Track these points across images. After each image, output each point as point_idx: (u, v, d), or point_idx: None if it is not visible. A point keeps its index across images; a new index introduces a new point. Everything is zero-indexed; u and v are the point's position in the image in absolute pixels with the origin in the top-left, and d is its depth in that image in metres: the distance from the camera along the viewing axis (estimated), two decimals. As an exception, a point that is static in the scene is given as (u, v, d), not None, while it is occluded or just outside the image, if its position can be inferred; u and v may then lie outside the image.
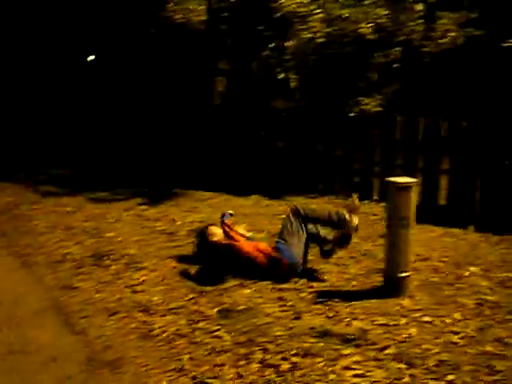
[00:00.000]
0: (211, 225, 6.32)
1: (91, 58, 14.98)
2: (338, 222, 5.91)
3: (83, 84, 14.34)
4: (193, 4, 9.13)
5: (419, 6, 9.06)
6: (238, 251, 5.65)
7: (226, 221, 6.04)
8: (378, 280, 5.55)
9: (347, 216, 5.90)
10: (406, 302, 5.08)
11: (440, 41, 9.25)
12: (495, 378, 3.86)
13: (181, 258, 6.29)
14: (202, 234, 6.12)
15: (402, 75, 9.78)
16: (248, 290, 5.36)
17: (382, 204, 8.20)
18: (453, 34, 9.27)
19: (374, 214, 7.99)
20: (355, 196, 6.24)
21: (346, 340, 4.37)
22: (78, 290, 5.54)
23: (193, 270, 5.92)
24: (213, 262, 5.77)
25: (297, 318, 4.79)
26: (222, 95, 11.45)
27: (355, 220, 6.01)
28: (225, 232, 5.92)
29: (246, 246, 5.71)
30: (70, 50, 14.43)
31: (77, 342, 4.55)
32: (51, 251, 6.62)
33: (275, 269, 5.58)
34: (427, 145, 8.28)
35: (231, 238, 5.84)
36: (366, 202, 8.63)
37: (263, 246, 5.79)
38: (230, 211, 6.42)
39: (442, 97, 12.03)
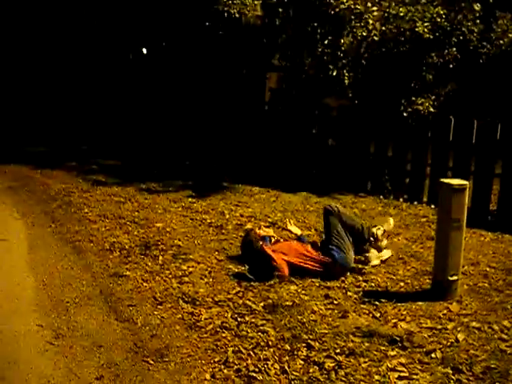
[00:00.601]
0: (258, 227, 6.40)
1: (144, 50, 15.14)
2: (366, 239, 6.00)
3: (137, 77, 14.50)
4: (248, -1, 9.16)
5: (477, 6, 8.93)
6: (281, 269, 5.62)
7: (266, 247, 5.85)
8: (426, 282, 5.49)
9: (379, 234, 5.94)
10: (453, 306, 5.00)
11: (498, 42, 9.10)
12: (543, 388, 3.79)
13: (228, 252, 6.32)
14: (247, 240, 6.04)
15: (458, 76, 9.66)
16: (294, 287, 5.35)
17: (432, 206, 8.11)
18: (511, 34, 9.12)
19: (424, 216, 7.90)
20: (391, 220, 6.33)
21: (392, 341, 4.33)
22: (126, 278, 5.60)
23: (240, 264, 5.93)
24: (258, 266, 5.75)
25: (343, 317, 4.76)
26: (274, 91, 11.44)
27: (384, 241, 6.06)
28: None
29: (292, 258, 5.68)
30: (126, 43, 14.61)
31: (123, 330, 4.61)
32: (101, 239, 6.71)
33: (328, 272, 5.57)
34: (480, 147, 8.14)
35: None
36: (416, 203, 8.54)
37: (309, 249, 5.78)
38: (272, 234, 6.34)
39: (497, 99, 11.83)
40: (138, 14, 13.41)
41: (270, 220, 7.43)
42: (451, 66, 9.30)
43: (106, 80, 14.55)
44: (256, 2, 9.50)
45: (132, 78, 14.60)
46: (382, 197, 8.85)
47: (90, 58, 14.52)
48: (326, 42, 9.05)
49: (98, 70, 14.56)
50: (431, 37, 8.78)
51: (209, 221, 7.45)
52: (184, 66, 13.13)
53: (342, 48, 8.95)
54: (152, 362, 4.12)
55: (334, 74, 8.95)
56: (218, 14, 9.45)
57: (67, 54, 14.50)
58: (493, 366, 4.02)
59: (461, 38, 9.07)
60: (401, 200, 8.71)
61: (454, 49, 9.09)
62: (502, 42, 9.17)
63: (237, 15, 9.17)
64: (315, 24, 9.17)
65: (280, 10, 9.61)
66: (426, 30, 8.65)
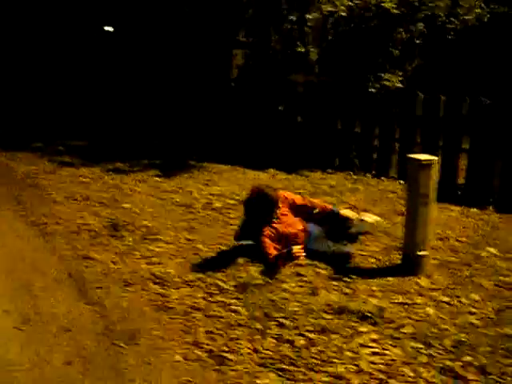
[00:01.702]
0: None
1: (109, 28, 14.90)
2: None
3: (101, 55, 14.27)
4: (214, -28, 9.05)
5: (444, -18, 8.92)
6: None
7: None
8: (395, 258, 5.51)
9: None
10: (423, 281, 5.03)
11: (465, 17, 9.12)
12: (513, 360, 3.83)
13: (197, 231, 6.27)
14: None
15: (425, 52, 9.66)
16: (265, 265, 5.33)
17: (400, 181, 8.13)
18: (478, 10, 9.15)
19: (393, 192, 7.92)
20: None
21: (363, 317, 4.34)
22: (94, 260, 5.53)
23: (210, 242, 5.90)
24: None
25: (314, 294, 4.76)
26: (240, 68, 11.34)
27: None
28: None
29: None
30: (89, 20, 14.35)
31: (92, 313, 4.56)
32: (68, 221, 6.60)
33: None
34: (448, 123, 8.16)
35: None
36: (384, 178, 8.56)
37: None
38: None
39: (465, 74, 11.88)
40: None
41: (238, 198, 7.38)
42: (418, 41, 9.31)
43: (72, 58, 14.29)
44: (222, -24, 9.41)
45: (97, 56, 14.37)
46: (350, 173, 8.84)
47: (56, 35, 14.23)
48: (292, 17, 8.99)
49: (65, 47, 14.28)
50: (398, 12, 8.76)
51: (177, 200, 7.38)
52: (149, 44, 12.96)
53: (309, 24, 8.90)
54: (122, 345, 4.08)
55: (301, 50, 8.90)
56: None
57: (29, 30, 14.18)
58: (463, 339, 4.06)
59: (428, 13, 9.07)
60: (369, 175, 8.71)
61: (422, 24, 9.09)
62: (468, 17, 9.18)
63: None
64: (281, -1, 9.12)
65: (246, -16, 9.54)
66: (393, 5, 8.64)
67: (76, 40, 14.22)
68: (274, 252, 5.32)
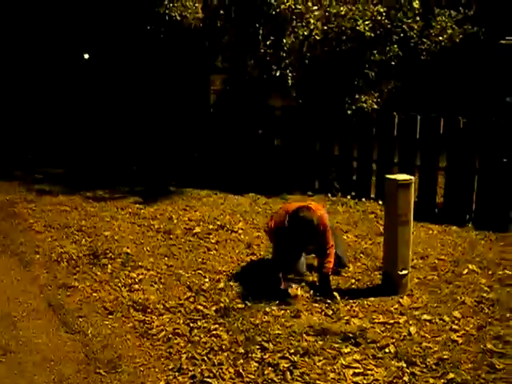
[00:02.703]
0: None
1: (85, 55, 14.94)
2: None
3: (79, 82, 14.28)
4: (189, 1, 9.10)
5: (416, 4, 9.04)
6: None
7: None
8: (376, 278, 5.54)
9: None
10: (405, 300, 5.06)
11: (437, 38, 9.24)
12: (495, 375, 3.86)
13: (177, 257, 6.26)
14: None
15: (400, 73, 9.75)
16: (246, 289, 5.31)
17: (380, 202, 8.18)
18: (450, 31, 9.27)
19: (372, 212, 7.97)
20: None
21: (346, 338, 4.35)
22: (75, 289, 5.50)
23: (191, 268, 5.89)
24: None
25: (296, 317, 4.76)
26: (219, 93, 11.40)
27: None
28: None
29: None
30: (66, 48, 14.37)
31: (74, 342, 4.53)
32: (47, 250, 6.56)
33: None
34: (425, 142, 8.24)
35: None
36: (364, 200, 8.60)
37: None
38: None
39: (439, 94, 12.03)
40: (80, 20, 13.22)
41: (218, 223, 7.39)
42: (393, 63, 9.39)
43: (49, 86, 14.28)
44: (197, 5, 9.46)
45: (76, 83, 14.37)
46: (330, 195, 8.87)
47: (33, 64, 14.22)
48: (268, 42, 9.04)
49: (42, 76, 14.28)
50: (372, 35, 8.84)
51: (157, 226, 7.36)
52: (128, 71, 12.99)
53: (285, 48, 8.94)
54: (104, 374, 4.06)
55: (278, 74, 8.94)
56: (159, 17, 9.36)
57: (7, 59, 14.17)
58: (445, 356, 4.08)
59: (401, 35, 9.16)
60: (349, 197, 8.74)
61: (396, 46, 9.18)
62: (441, 38, 9.29)
63: (178, 18, 9.11)
64: (257, 25, 9.15)
65: (221, 11, 9.57)
66: (366, 28, 8.72)
67: (55, 66, 14.23)
68: None
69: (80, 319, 4.89)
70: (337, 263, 5.55)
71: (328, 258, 5.34)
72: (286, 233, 5.25)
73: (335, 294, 5.10)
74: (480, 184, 7.74)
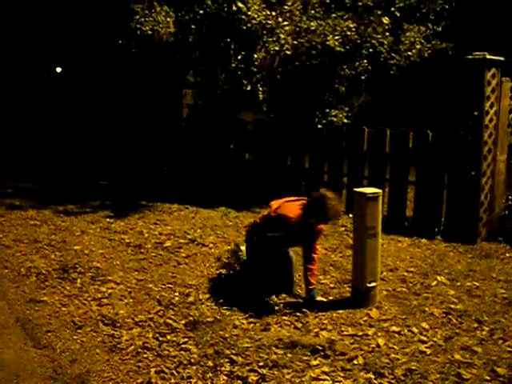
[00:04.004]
0: None
1: (58, 69, 14.89)
2: None
3: (50, 96, 14.22)
4: (160, 16, 9.10)
5: (385, 20, 9.16)
6: None
7: None
8: (346, 291, 5.58)
9: None
10: (374, 312, 5.10)
11: (406, 53, 9.36)
12: (463, 386, 3.89)
13: (147, 271, 6.23)
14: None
15: (370, 87, 9.87)
16: (215, 303, 5.30)
17: (350, 215, 8.23)
18: (419, 46, 9.39)
19: (342, 226, 8.02)
20: None
21: (315, 351, 4.36)
22: (44, 303, 5.44)
23: (160, 282, 5.87)
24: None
25: (265, 330, 4.77)
26: (190, 107, 11.41)
27: None
28: None
29: None
30: (37, 62, 14.33)
31: (42, 357, 4.47)
32: (16, 264, 6.48)
33: None
34: (394, 156, 8.34)
35: None
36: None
37: None
38: None
39: (409, 108, 12.17)
40: (52, 34, 13.19)
41: (189, 237, 7.38)
42: (363, 77, 9.50)
43: (19, 100, 14.20)
44: (169, 19, 9.46)
45: (47, 97, 14.32)
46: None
47: (3, 78, 14.14)
48: (239, 57, 9.08)
49: (12, 90, 14.20)
50: (342, 50, 8.93)
51: (127, 240, 7.33)
52: (100, 85, 12.97)
53: (256, 63, 8.98)
54: (73, 389, 4.02)
55: (249, 88, 8.97)
56: (130, 32, 9.35)
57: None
58: (413, 367, 4.12)
59: (371, 50, 9.27)
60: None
61: (366, 61, 9.29)
62: (410, 53, 9.41)
63: (149, 32, 9.10)
64: (228, 40, 9.20)
65: (193, 26, 9.59)
66: (336, 43, 8.80)
67: (25, 81, 14.17)
68: None
69: (48, 334, 4.83)
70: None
71: (313, 266, 5.40)
72: (305, 218, 5.28)
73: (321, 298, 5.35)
74: (449, 197, 7.84)
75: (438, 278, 6.00)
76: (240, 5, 8.62)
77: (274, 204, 5.49)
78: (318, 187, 5.77)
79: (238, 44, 9.20)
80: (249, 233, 5.88)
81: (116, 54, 11.51)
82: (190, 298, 5.40)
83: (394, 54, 9.42)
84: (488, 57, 7.36)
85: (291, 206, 5.35)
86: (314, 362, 4.21)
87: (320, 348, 4.38)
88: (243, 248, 5.91)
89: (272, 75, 9.27)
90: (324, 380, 3.99)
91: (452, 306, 5.23)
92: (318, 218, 5.32)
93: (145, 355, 4.42)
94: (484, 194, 7.54)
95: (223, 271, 6.18)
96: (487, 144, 7.50)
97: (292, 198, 5.56)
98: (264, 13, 8.69)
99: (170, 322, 4.94)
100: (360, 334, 4.68)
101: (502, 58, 7.51)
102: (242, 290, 5.47)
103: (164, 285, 5.79)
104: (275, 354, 4.33)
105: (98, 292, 5.66)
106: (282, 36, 8.80)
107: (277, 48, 8.86)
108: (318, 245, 5.59)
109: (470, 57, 7.47)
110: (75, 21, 12.66)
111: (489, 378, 3.98)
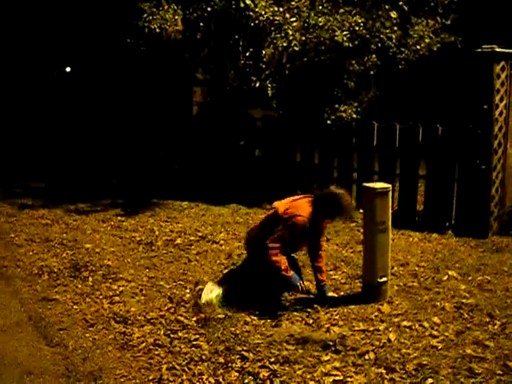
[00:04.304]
0: None
1: (68, 69, 14.94)
2: None
3: (60, 95, 14.27)
4: (168, 14, 9.11)
5: (394, 14, 9.12)
6: None
7: None
8: (357, 286, 5.57)
9: None
10: (385, 307, 5.08)
11: (415, 47, 9.32)
12: (474, 380, 3.87)
13: (158, 269, 6.25)
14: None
15: (379, 82, 9.85)
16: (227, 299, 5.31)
17: (361, 210, 8.19)
18: (427, 40, 9.35)
19: (353, 221, 8.00)
20: None
21: (326, 346, 4.36)
22: (56, 302, 5.49)
23: (172, 279, 5.89)
24: None
25: (276, 326, 4.77)
26: (200, 104, 11.43)
27: None
28: None
29: None
30: (47, 62, 14.37)
31: (54, 355, 4.50)
32: (28, 264, 6.55)
33: None
34: (404, 151, 8.31)
35: None
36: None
37: None
38: None
39: (418, 103, 12.13)
40: (62, 34, 13.23)
41: (199, 234, 7.40)
42: (372, 72, 9.49)
43: (31, 99, 14.26)
44: (177, 17, 9.47)
45: (57, 97, 14.37)
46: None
47: (14, 78, 14.19)
48: (247, 53, 9.09)
49: (24, 89, 14.25)
50: (350, 45, 8.90)
51: (138, 238, 7.37)
52: (109, 84, 13.00)
53: (264, 59, 8.99)
54: (85, 386, 4.04)
55: (258, 85, 8.98)
56: (138, 31, 9.37)
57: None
58: (424, 362, 4.09)
59: (379, 45, 9.25)
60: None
61: (374, 56, 9.27)
62: (418, 47, 9.37)
63: (157, 30, 9.11)
64: (236, 36, 9.22)
65: (201, 24, 9.60)
66: (345, 38, 8.77)
67: (36, 80, 14.21)
68: None
69: (61, 332, 4.86)
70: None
71: (321, 263, 5.40)
72: (315, 216, 5.17)
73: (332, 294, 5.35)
74: (459, 191, 7.81)
75: (449, 272, 5.96)
76: (247, 1, 8.63)
77: (280, 205, 5.30)
78: (328, 184, 5.73)
79: (246, 41, 9.22)
80: (251, 245, 5.54)
81: (125, 53, 11.52)
82: (201, 295, 5.40)
83: (402, 49, 9.39)
84: (497, 50, 7.32)
85: (301, 205, 5.22)
86: (325, 358, 4.21)
87: (331, 343, 4.37)
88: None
89: (281, 71, 9.27)
90: (335, 375, 3.98)
91: (463, 301, 5.20)
92: (330, 216, 5.31)
93: (156, 352, 4.44)
94: (495, 188, 7.51)
95: (234, 268, 6.18)
96: (497, 137, 7.47)
97: (297, 197, 5.44)
98: (271, 9, 8.69)
99: (181, 318, 4.96)
100: (371, 329, 4.66)
101: (511, 51, 7.47)
102: (253, 287, 5.46)
103: (175, 282, 5.82)
104: (286, 349, 4.33)
105: (110, 290, 5.70)
106: (290, 32, 8.79)
107: (285, 44, 8.85)
108: (322, 241, 5.57)
109: (479, 50, 7.43)
110: (84, 20, 12.71)
111: (501, 372, 3.95)
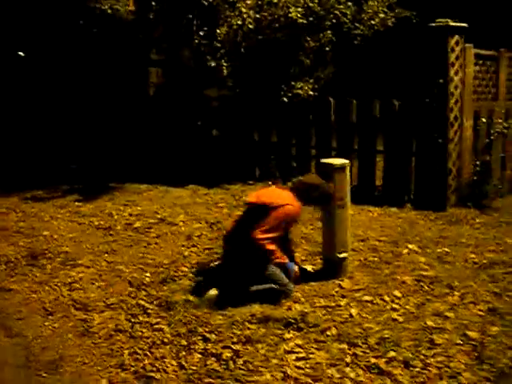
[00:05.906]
0: None
1: (20, 53, 14.62)
2: None
3: (15, 81, 13.96)
4: (120, -6, 8.98)
5: (348, -11, 9.10)
6: None
7: None
8: (317, 263, 5.58)
9: None
10: (345, 282, 5.10)
11: (370, 22, 9.33)
12: (435, 351, 3.92)
13: (118, 253, 6.18)
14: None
15: (336, 59, 9.83)
16: (187, 282, 5.28)
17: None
18: (382, 15, 9.36)
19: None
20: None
21: (288, 324, 4.36)
22: (14, 291, 5.39)
23: (131, 263, 5.83)
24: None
25: (237, 306, 4.74)
26: (157, 86, 11.29)
27: None
28: None
29: None
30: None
31: (13, 345, 4.43)
32: (-16, 253, 6.42)
33: None
34: (361, 126, 8.33)
35: None
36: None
37: None
38: None
39: (375, 78, 12.16)
40: (13, 18, 12.92)
41: (158, 216, 7.34)
42: (328, 49, 9.47)
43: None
44: (128, -3, 9.36)
45: (8, 81, 14.05)
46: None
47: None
48: (202, 33, 9.00)
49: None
50: (305, 22, 8.86)
51: (97, 223, 7.27)
52: (64, 67, 12.75)
53: (219, 38, 8.90)
54: (45, 375, 3.99)
55: (213, 64, 8.89)
56: (90, 11, 9.21)
57: None
58: (386, 335, 4.13)
59: (334, 21, 9.22)
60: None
61: (329, 32, 9.24)
62: (373, 22, 9.38)
63: (109, 11, 8.97)
64: (190, 16, 9.12)
65: (153, 3, 9.46)
66: (299, 15, 8.73)
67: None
68: None
69: (19, 322, 4.79)
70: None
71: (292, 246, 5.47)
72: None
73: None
74: (417, 165, 7.87)
75: (409, 245, 6.02)
76: (200, -21, 8.52)
77: (262, 197, 5.08)
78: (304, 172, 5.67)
79: (200, 20, 9.13)
80: (233, 241, 5.16)
81: (78, 36, 11.31)
82: (162, 278, 5.36)
83: (357, 24, 9.38)
84: (451, 24, 7.35)
85: (284, 195, 5.06)
86: (288, 336, 4.21)
87: (293, 321, 4.37)
88: None
89: (236, 50, 9.19)
90: (298, 353, 3.99)
91: (423, 273, 5.24)
92: (312, 204, 5.30)
93: (117, 338, 4.39)
94: (452, 161, 7.57)
95: (194, 249, 6.14)
96: (453, 111, 7.52)
97: (270, 188, 5.57)
98: (225, -14, 8.61)
99: (142, 303, 4.91)
100: (332, 305, 4.68)
101: (465, 25, 7.51)
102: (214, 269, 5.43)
103: (135, 266, 5.75)
104: (248, 329, 4.32)
105: (68, 277, 5.61)
106: (244, 10, 8.73)
107: (239, 22, 8.78)
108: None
109: (434, 24, 7.46)
110: (35, 5, 12.41)
111: (461, 342, 4.00)
